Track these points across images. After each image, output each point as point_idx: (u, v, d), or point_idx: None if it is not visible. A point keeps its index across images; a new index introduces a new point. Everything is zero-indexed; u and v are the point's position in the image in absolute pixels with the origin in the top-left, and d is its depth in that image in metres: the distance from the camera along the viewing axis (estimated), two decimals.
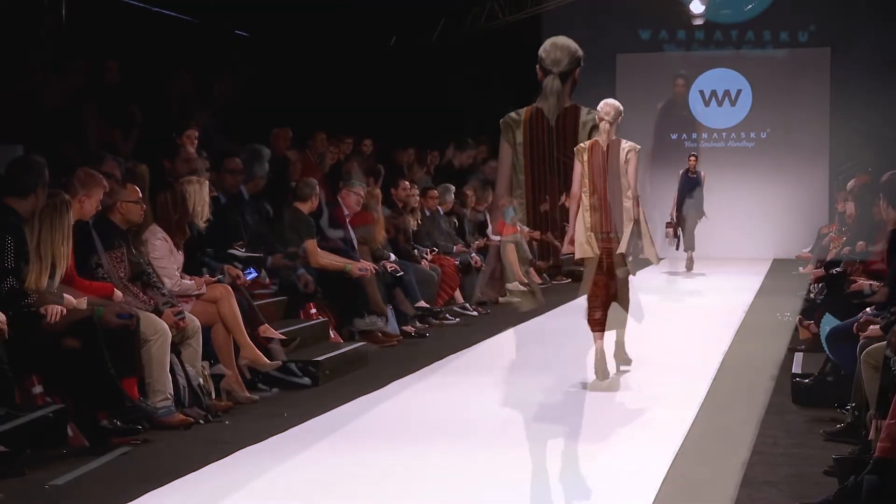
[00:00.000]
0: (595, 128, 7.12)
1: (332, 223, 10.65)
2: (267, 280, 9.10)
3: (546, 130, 6.68)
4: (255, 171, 9.68)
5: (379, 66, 15.93)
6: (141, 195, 7.58)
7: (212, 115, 10.99)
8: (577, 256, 8.15)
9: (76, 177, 7.13)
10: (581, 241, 8.11)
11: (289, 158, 11.33)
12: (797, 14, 18.43)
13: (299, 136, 11.84)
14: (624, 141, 8.24)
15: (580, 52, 6.52)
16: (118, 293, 6.99)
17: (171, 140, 9.25)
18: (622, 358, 8.71)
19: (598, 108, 7.97)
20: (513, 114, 6.78)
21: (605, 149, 8.07)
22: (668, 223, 16.28)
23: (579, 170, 7.87)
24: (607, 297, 8.23)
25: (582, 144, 7.46)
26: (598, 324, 8.17)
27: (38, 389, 6.20)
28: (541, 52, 6.56)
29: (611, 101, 8.25)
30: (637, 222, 8.22)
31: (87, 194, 7.07)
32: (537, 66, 6.46)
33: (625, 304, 8.36)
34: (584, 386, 8.04)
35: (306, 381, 8.24)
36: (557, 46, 6.52)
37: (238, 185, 9.52)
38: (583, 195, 8.07)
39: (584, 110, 6.82)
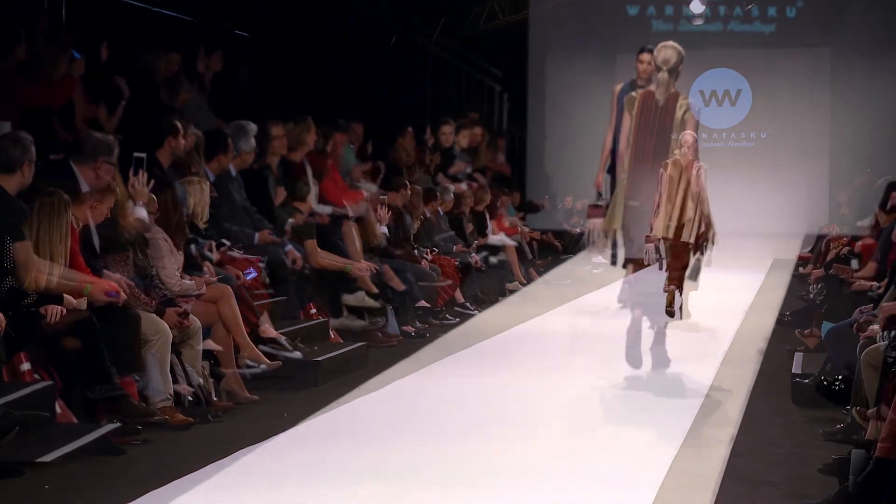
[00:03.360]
0: (688, 110, 7.98)
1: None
2: (254, 258, 8.92)
3: (654, 109, 7.95)
4: (240, 146, 9.58)
5: (379, 64, 15.87)
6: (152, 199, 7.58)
7: (199, 91, 10.91)
8: (602, 228, 8.11)
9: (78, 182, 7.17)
10: (611, 210, 8.07)
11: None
12: (797, 13, 18.43)
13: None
14: (683, 96, 7.93)
15: (682, 52, 8.03)
16: (123, 296, 6.97)
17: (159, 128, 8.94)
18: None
19: (655, 53, 8.04)
20: (632, 93, 8.20)
21: (660, 102, 7.85)
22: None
23: (627, 123, 7.94)
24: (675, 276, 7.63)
25: (633, 93, 7.96)
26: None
27: (25, 366, 6.17)
28: (655, 52, 8.09)
29: (670, 43, 7.99)
30: (700, 196, 7.52)
31: (100, 200, 7.11)
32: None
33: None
34: (584, 385, 8.06)
35: (297, 355, 8.21)
36: (666, 48, 7.99)
37: (227, 164, 9.40)
38: (625, 155, 7.91)
39: (681, 96, 8.04)
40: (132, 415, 6.40)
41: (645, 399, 7.76)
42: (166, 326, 6.99)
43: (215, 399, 7.42)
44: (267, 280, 9.14)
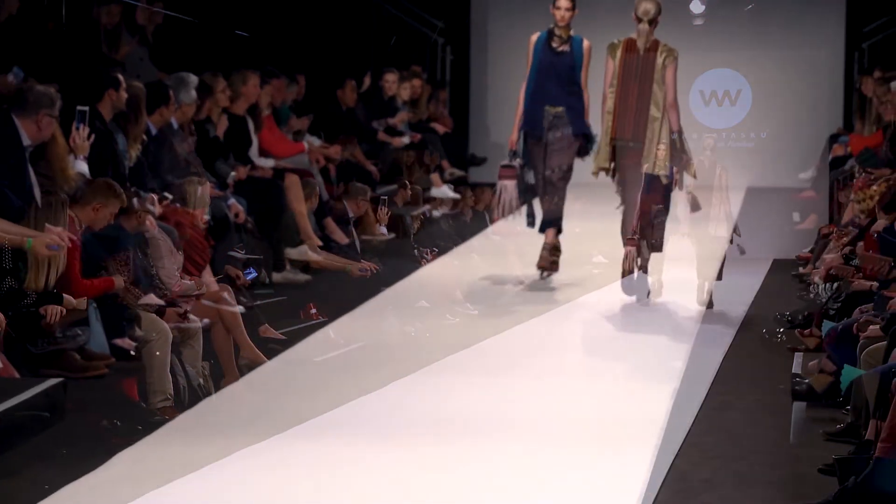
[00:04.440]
0: (670, 54, 8.84)
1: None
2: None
3: (636, 57, 8.85)
4: (181, 98, 9.45)
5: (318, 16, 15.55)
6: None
7: (140, 43, 10.77)
8: (593, 170, 9.21)
9: (95, 184, 7.15)
10: (599, 152, 9.05)
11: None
12: (798, 13, 18.42)
13: None
14: (663, 44, 8.91)
15: (660, 4, 8.80)
16: (119, 281, 6.96)
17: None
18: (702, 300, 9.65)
19: (635, 4, 8.96)
20: (614, 41, 9.03)
21: (641, 52, 8.81)
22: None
23: (610, 67, 8.94)
24: (642, 218, 8.78)
25: (616, 41, 8.88)
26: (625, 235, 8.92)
27: None
28: (636, 4, 8.86)
29: None
30: (680, 134, 8.93)
31: (103, 204, 7.10)
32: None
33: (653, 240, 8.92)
34: (585, 385, 8.06)
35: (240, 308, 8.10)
36: (646, 0, 8.82)
37: (169, 116, 9.16)
38: (609, 95, 8.91)
39: (661, 44, 8.88)
40: (73, 370, 6.28)
41: (644, 399, 7.76)
42: (166, 326, 6.99)
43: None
44: (207, 234, 8.96)
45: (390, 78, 13.53)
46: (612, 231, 10.22)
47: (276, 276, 9.47)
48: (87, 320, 6.54)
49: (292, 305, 9.43)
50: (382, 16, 16.51)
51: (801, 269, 14.40)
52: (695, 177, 9.31)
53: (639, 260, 9.60)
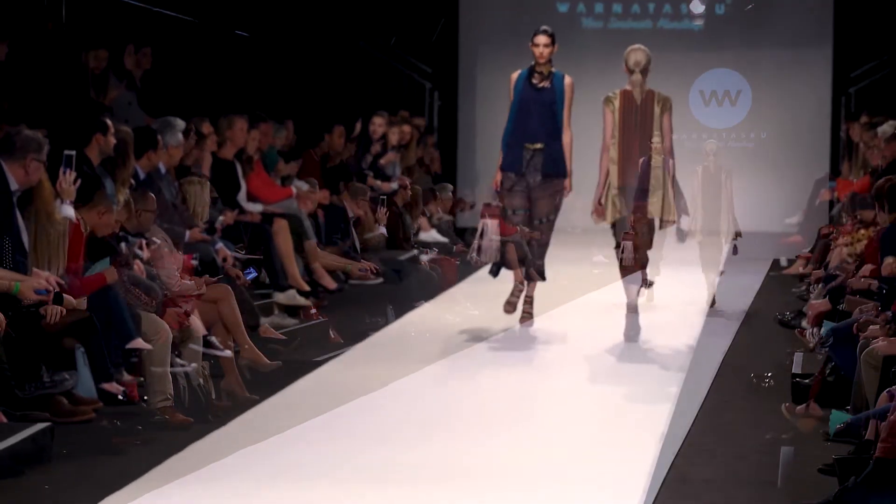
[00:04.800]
0: (665, 103, 8.91)
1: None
2: (184, 255, 8.68)
3: (634, 109, 8.90)
4: (168, 141, 9.41)
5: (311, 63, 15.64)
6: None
7: (127, 88, 10.79)
8: (608, 220, 9.12)
9: (103, 191, 7.17)
10: (609, 202, 9.03)
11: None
12: (798, 13, 18.42)
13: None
14: (658, 92, 8.96)
15: (650, 54, 8.91)
16: (112, 275, 6.93)
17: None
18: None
19: (625, 55, 9.02)
20: (609, 94, 9.04)
21: (637, 101, 8.85)
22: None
23: (609, 119, 8.97)
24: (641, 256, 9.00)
25: (611, 93, 8.93)
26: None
27: None
28: (625, 56, 8.95)
29: (638, 46, 9.00)
30: (674, 178, 8.97)
31: (109, 209, 7.11)
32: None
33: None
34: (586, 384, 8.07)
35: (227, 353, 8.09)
36: (636, 51, 8.93)
37: (157, 161, 9.19)
38: (611, 147, 9.00)
39: (656, 92, 8.93)
40: (61, 414, 6.24)
41: (644, 399, 7.77)
42: (166, 326, 6.99)
43: (215, 399, 7.42)
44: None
45: (378, 121, 13.38)
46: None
47: (264, 320, 9.34)
48: (75, 364, 6.50)
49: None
50: (371, 62, 16.60)
51: (801, 270, 14.42)
52: (687, 214, 9.64)
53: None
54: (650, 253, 9.40)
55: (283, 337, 8.75)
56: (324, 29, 15.64)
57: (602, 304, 10.99)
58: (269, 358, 8.11)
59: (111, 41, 10.69)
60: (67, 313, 6.33)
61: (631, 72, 8.98)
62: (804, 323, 7.82)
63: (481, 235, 9.24)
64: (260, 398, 7.64)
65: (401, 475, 5.85)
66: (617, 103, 8.99)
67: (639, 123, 8.96)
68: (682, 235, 10.16)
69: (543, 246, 9.57)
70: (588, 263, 13.15)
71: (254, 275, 8.77)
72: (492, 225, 9.15)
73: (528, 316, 9.72)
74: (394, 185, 13.04)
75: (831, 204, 13.14)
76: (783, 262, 12.47)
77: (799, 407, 6.42)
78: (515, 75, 9.35)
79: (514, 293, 9.64)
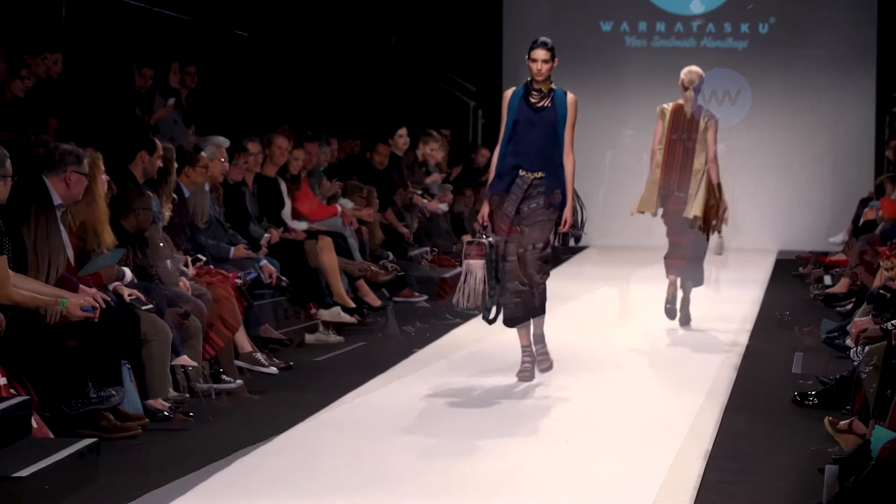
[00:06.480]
0: (711, 118, 9.86)
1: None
2: (231, 273, 8.73)
3: (683, 121, 9.88)
4: (212, 160, 9.42)
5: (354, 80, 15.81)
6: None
7: (174, 107, 10.93)
8: (634, 210, 10.03)
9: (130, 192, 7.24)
10: (644, 196, 9.94)
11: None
12: (798, 13, 18.44)
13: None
14: (706, 109, 10.02)
15: (703, 74, 9.94)
16: (110, 276, 6.94)
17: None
18: (685, 314, 10.36)
19: (682, 75, 9.92)
20: (664, 105, 10.01)
21: (688, 115, 9.81)
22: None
23: (660, 128, 9.95)
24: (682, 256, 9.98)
25: (665, 105, 9.95)
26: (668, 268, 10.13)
27: (1, 381, 6.05)
28: (682, 74, 9.90)
29: (694, 68, 9.93)
30: (719, 186, 9.84)
31: (146, 205, 7.19)
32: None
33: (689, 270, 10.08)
34: (587, 387, 8.06)
35: (272, 370, 8.17)
36: (691, 72, 9.87)
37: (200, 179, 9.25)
38: (657, 151, 9.94)
39: (704, 108, 9.98)
40: (108, 430, 6.30)
41: (645, 398, 7.77)
42: (166, 326, 7.00)
43: (215, 399, 7.42)
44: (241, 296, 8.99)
45: (434, 145, 13.72)
46: None
47: (309, 338, 9.50)
48: (121, 380, 6.57)
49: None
50: (416, 80, 16.86)
51: (801, 270, 14.44)
52: (726, 223, 10.13)
53: (681, 291, 10.29)
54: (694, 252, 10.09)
55: (284, 337, 8.79)
56: (369, 47, 15.84)
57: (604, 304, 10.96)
58: (269, 358, 8.17)
59: (156, 59, 10.90)
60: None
61: (685, 88, 9.85)
62: (848, 341, 7.61)
63: (465, 278, 8.00)
64: (259, 399, 7.61)
65: (401, 478, 5.86)
66: (668, 114, 9.86)
67: (685, 134, 9.84)
68: (718, 248, 10.20)
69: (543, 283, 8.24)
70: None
71: (254, 275, 8.77)
72: (475, 266, 7.95)
73: (543, 359, 8.37)
74: (443, 207, 13.40)
75: (866, 226, 13.16)
76: (827, 281, 12.48)
77: (842, 423, 6.33)
78: (509, 93, 8.23)
79: (525, 359, 8.36)
